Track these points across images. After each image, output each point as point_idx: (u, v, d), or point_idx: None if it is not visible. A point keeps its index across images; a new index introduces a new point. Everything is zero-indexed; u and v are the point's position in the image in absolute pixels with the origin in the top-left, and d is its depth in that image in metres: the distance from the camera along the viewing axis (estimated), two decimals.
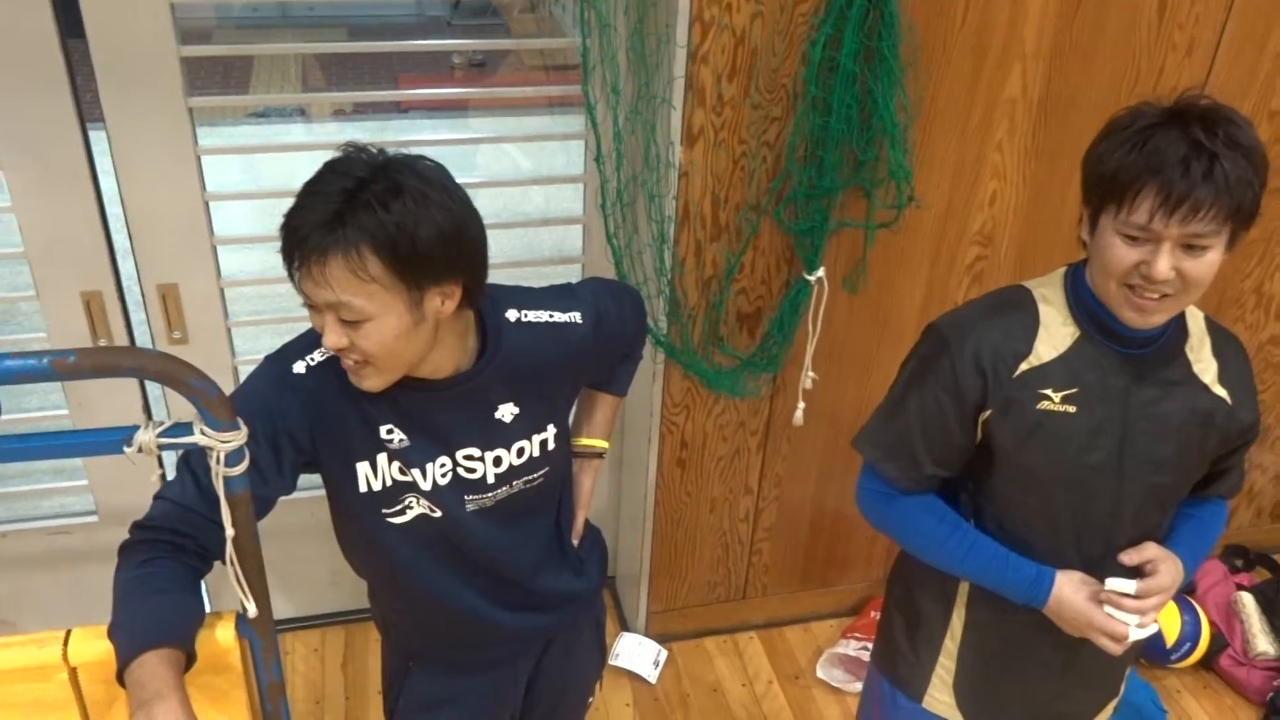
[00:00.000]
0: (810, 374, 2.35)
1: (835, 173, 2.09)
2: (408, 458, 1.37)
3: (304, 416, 1.32)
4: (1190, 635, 2.70)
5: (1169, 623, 2.69)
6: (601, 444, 1.68)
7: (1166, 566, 1.42)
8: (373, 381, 1.29)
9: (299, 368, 1.33)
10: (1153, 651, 2.71)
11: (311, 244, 1.18)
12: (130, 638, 1.17)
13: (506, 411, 1.42)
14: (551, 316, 1.46)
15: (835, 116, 2.01)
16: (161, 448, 1.14)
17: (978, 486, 1.50)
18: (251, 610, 1.28)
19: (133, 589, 1.21)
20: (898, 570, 1.70)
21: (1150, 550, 1.43)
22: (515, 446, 1.44)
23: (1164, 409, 1.40)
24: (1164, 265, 1.25)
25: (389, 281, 1.20)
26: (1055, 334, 1.40)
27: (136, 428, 1.13)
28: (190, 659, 1.20)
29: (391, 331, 1.23)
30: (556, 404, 1.50)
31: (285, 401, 1.31)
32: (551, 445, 1.48)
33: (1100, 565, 1.45)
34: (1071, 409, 1.38)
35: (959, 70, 2.12)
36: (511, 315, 1.42)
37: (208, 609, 1.29)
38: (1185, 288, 1.28)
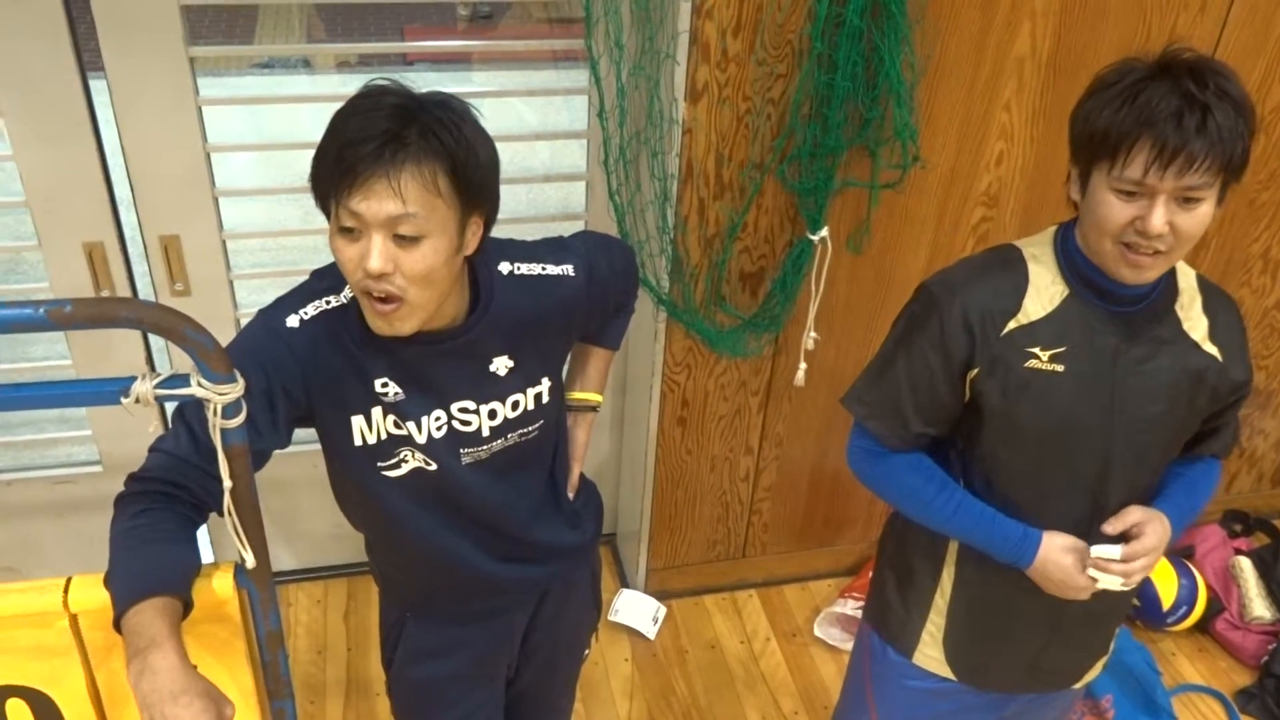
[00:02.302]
0: (812, 334, 2.35)
1: (840, 131, 2.07)
2: (402, 411, 1.37)
3: (298, 370, 1.32)
4: (1186, 599, 2.71)
5: (1165, 586, 2.71)
6: (595, 397, 1.69)
7: (1152, 528, 1.42)
8: (403, 320, 1.27)
9: (292, 321, 1.33)
10: (1148, 614, 2.73)
11: (380, 156, 1.17)
12: (126, 587, 1.18)
13: (501, 365, 1.42)
14: (544, 269, 1.45)
15: (841, 74, 1.99)
16: (159, 399, 1.14)
17: (967, 446, 1.50)
18: (249, 561, 1.29)
19: (128, 539, 1.22)
20: (890, 528, 1.71)
21: (1133, 515, 1.43)
22: (510, 400, 1.44)
23: (1153, 367, 1.40)
24: (1159, 219, 1.25)
25: (451, 199, 1.22)
26: (1044, 293, 1.40)
27: (134, 378, 1.13)
28: (187, 607, 1.21)
29: (440, 255, 1.24)
30: (550, 357, 1.49)
31: (279, 355, 1.31)
32: (546, 398, 1.48)
33: (1089, 525, 1.45)
34: (1059, 367, 1.39)
35: (967, 27, 2.09)
36: (504, 268, 1.42)
37: (208, 559, 1.30)
38: (1179, 242, 1.28)
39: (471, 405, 1.41)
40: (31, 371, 2.33)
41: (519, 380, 1.44)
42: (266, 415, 1.30)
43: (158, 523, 1.23)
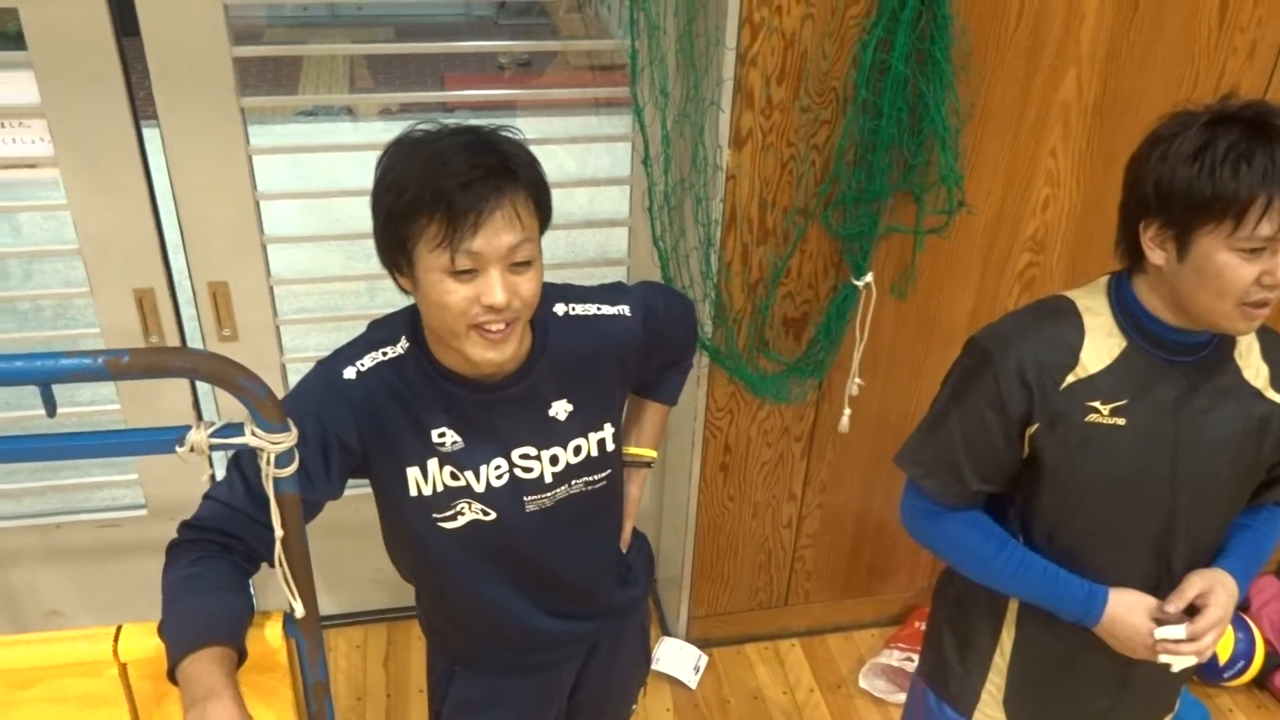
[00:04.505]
0: (857, 380, 2.33)
1: (884, 177, 2.06)
2: (460, 460, 1.37)
3: (353, 421, 1.32)
4: (1243, 653, 2.64)
5: (1222, 642, 2.63)
6: (650, 453, 1.68)
7: (1216, 597, 1.38)
8: (510, 343, 1.29)
9: (349, 373, 1.33)
10: (1205, 669, 2.66)
11: (492, 190, 1.20)
12: (182, 636, 1.18)
13: (560, 409, 1.41)
14: (599, 309, 1.45)
15: (885, 120, 1.98)
16: (213, 448, 1.14)
17: (1026, 501, 1.47)
18: (299, 610, 1.28)
19: (182, 588, 1.22)
20: (945, 583, 1.67)
21: (1194, 586, 1.40)
22: (571, 445, 1.43)
23: (1216, 417, 1.37)
24: None
25: (537, 215, 1.27)
26: (1101, 345, 1.37)
27: (188, 427, 1.14)
28: (241, 656, 1.21)
29: (540, 274, 1.29)
30: (609, 401, 1.48)
31: (335, 406, 1.32)
32: (610, 446, 1.47)
33: (1155, 580, 1.42)
34: (1120, 421, 1.36)
35: (1012, 73, 2.09)
36: (559, 309, 1.42)
37: (255, 608, 1.30)
38: None
39: (533, 451, 1.40)
40: (80, 416, 2.35)
41: (579, 424, 1.43)
42: (321, 466, 1.31)
43: (212, 572, 1.23)
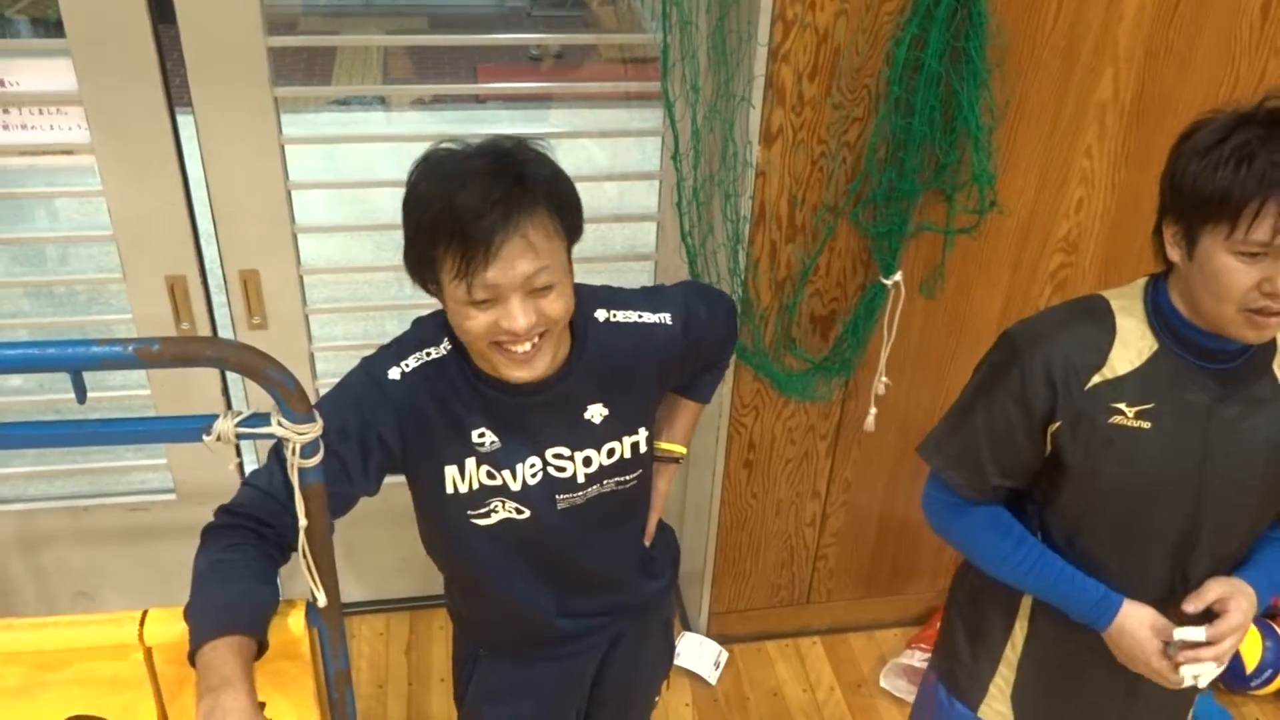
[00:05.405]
0: (884, 379, 2.31)
1: (916, 175, 2.05)
2: (498, 460, 1.38)
3: (395, 421, 1.34)
4: (1272, 662, 2.60)
5: (1249, 649, 2.60)
6: (680, 449, 1.68)
7: (1237, 603, 1.36)
8: (541, 359, 1.29)
9: (394, 374, 1.35)
10: (1232, 678, 2.63)
11: (507, 221, 1.18)
12: (206, 622, 1.19)
13: (596, 412, 1.42)
14: (640, 317, 1.45)
15: (918, 118, 1.97)
16: (239, 437, 1.15)
17: (1046, 500, 1.46)
18: (321, 600, 1.29)
19: (213, 573, 1.23)
20: (961, 576, 1.67)
21: (1214, 590, 1.38)
22: (605, 448, 1.44)
23: (1249, 426, 1.35)
24: None
25: (560, 235, 1.26)
26: (1132, 347, 1.35)
27: (216, 416, 1.15)
28: (261, 648, 1.22)
29: (570, 290, 1.29)
30: (645, 406, 1.49)
31: (379, 405, 1.33)
32: (643, 448, 1.48)
33: (1170, 590, 1.40)
34: (1146, 425, 1.34)
35: (1048, 72, 2.06)
36: (600, 315, 1.42)
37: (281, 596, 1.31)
38: None
39: (566, 451, 1.41)
40: (111, 401, 2.38)
41: (615, 428, 1.43)
42: (359, 462, 1.32)
43: (243, 559, 1.24)
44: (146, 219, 2.11)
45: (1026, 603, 1.52)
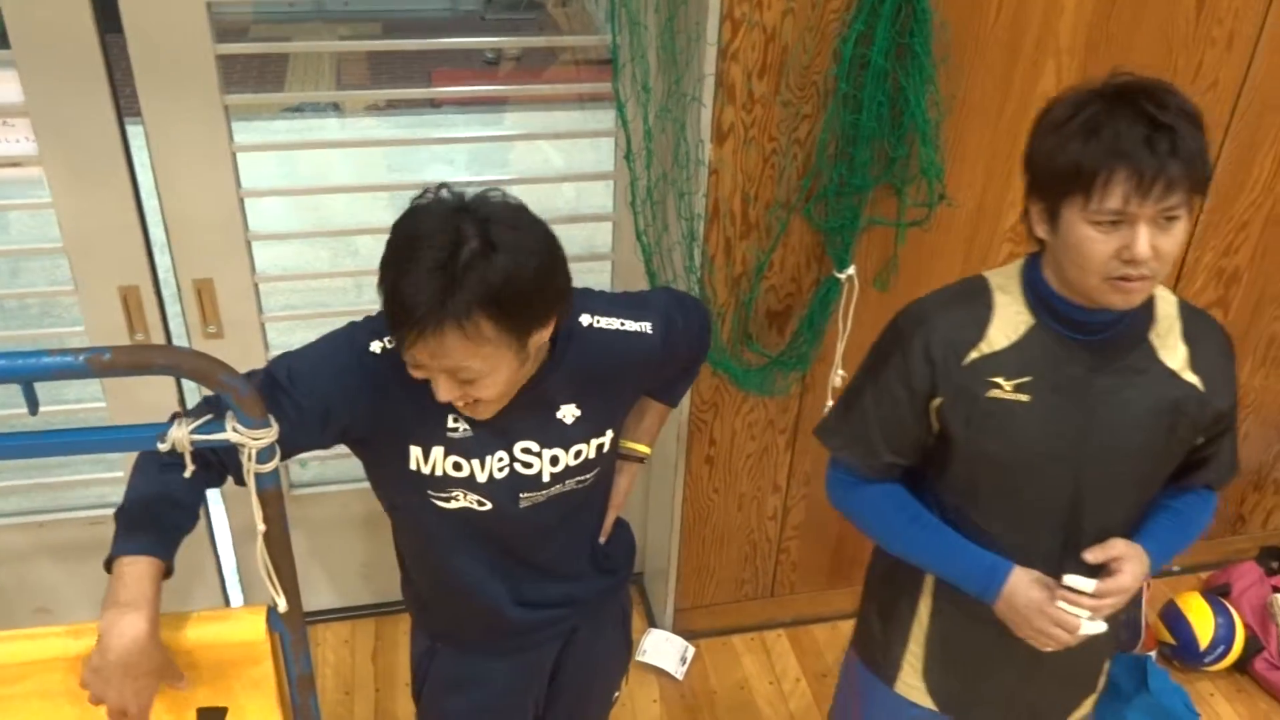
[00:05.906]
0: (840, 372, 2.34)
1: (866, 170, 2.08)
2: (468, 449, 1.40)
3: (366, 394, 1.35)
4: (1224, 638, 2.66)
5: (1202, 624, 2.66)
6: (645, 449, 1.71)
7: (1130, 566, 1.40)
8: (485, 414, 1.35)
9: (375, 347, 1.36)
10: (1185, 654, 2.68)
11: (427, 319, 1.19)
12: (136, 534, 1.22)
13: (568, 413, 1.44)
14: (623, 324, 1.47)
15: (866, 113, 2.00)
16: (195, 444, 1.15)
17: (937, 476, 1.50)
18: (281, 605, 1.29)
19: (151, 488, 1.26)
20: (874, 557, 1.71)
21: (1116, 548, 1.41)
22: (573, 449, 1.46)
23: (1125, 397, 1.38)
24: (1144, 244, 1.24)
25: (501, 340, 1.23)
26: (1008, 322, 1.40)
27: (170, 424, 1.14)
28: (168, 573, 1.25)
29: (504, 379, 1.29)
30: (616, 410, 1.52)
31: (354, 376, 1.35)
32: (606, 449, 1.50)
33: (1060, 558, 1.43)
34: (1025, 397, 1.38)
35: (991, 66, 2.10)
36: (585, 320, 1.44)
37: (239, 601, 1.31)
38: (1163, 264, 1.27)
39: (535, 447, 1.43)
40: (66, 414, 2.35)
41: (585, 430, 1.45)
42: (317, 420, 1.34)
43: (183, 482, 1.24)
44: (98, 230, 2.09)
45: (930, 581, 1.57)
